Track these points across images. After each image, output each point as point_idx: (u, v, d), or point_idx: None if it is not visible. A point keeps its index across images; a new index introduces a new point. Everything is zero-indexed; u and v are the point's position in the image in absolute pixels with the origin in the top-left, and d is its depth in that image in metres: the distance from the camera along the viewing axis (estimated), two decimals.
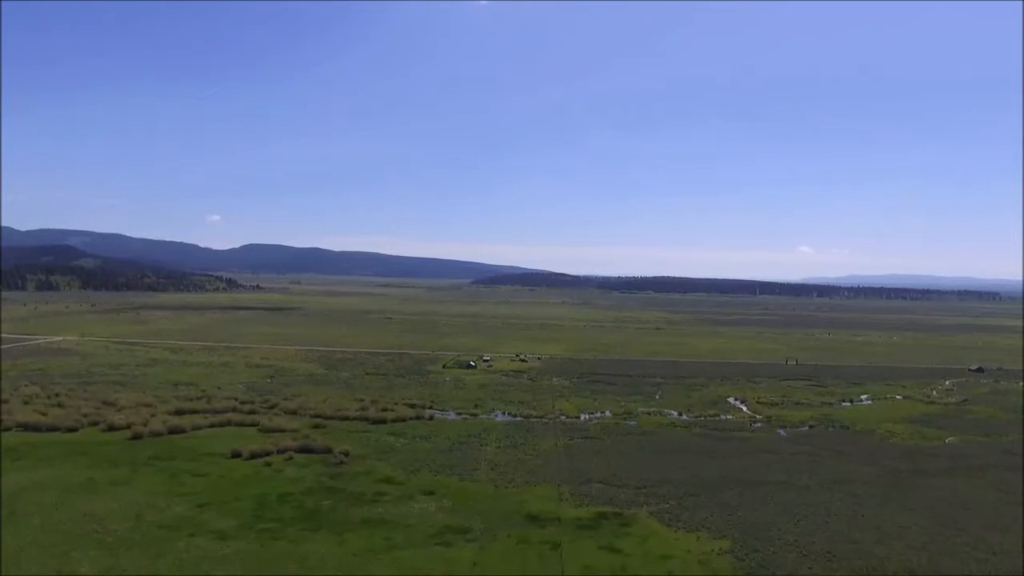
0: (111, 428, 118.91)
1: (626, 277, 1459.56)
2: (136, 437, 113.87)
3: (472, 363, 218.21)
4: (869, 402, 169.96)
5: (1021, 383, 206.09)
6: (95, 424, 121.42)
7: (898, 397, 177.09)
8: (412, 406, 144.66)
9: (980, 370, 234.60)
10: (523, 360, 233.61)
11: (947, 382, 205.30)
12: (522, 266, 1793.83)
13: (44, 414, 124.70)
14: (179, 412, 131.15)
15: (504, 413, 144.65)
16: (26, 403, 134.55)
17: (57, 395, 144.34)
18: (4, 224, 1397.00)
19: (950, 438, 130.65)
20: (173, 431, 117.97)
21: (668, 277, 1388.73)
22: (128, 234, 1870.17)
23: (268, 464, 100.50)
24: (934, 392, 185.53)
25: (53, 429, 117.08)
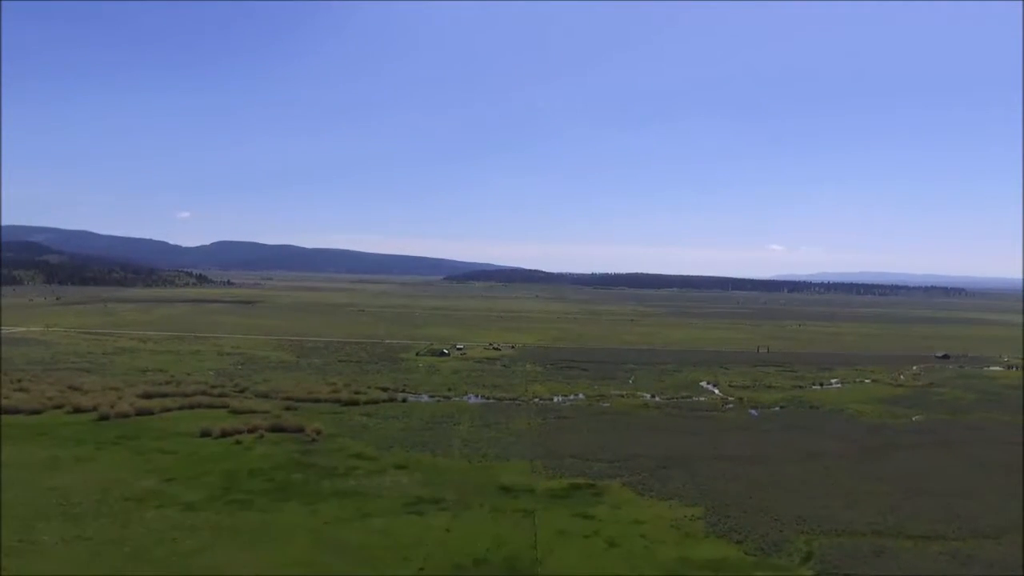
0: (77, 410, 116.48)
1: (600, 274, 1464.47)
2: (103, 418, 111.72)
3: (445, 351, 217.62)
4: (839, 385, 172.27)
5: (983, 368, 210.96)
6: (59, 407, 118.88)
7: (867, 381, 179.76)
8: (385, 390, 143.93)
9: (946, 357, 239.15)
10: (496, 348, 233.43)
11: (914, 367, 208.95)
12: (495, 263, 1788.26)
13: (7, 398, 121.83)
14: (147, 396, 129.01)
15: (477, 396, 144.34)
16: None
17: (20, 380, 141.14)
18: None
19: (917, 416, 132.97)
20: (141, 413, 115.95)
21: (641, 274, 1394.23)
22: (96, 231, 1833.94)
23: (238, 442, 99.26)
24: (902, 376, 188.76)
25: (15, 412, 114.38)
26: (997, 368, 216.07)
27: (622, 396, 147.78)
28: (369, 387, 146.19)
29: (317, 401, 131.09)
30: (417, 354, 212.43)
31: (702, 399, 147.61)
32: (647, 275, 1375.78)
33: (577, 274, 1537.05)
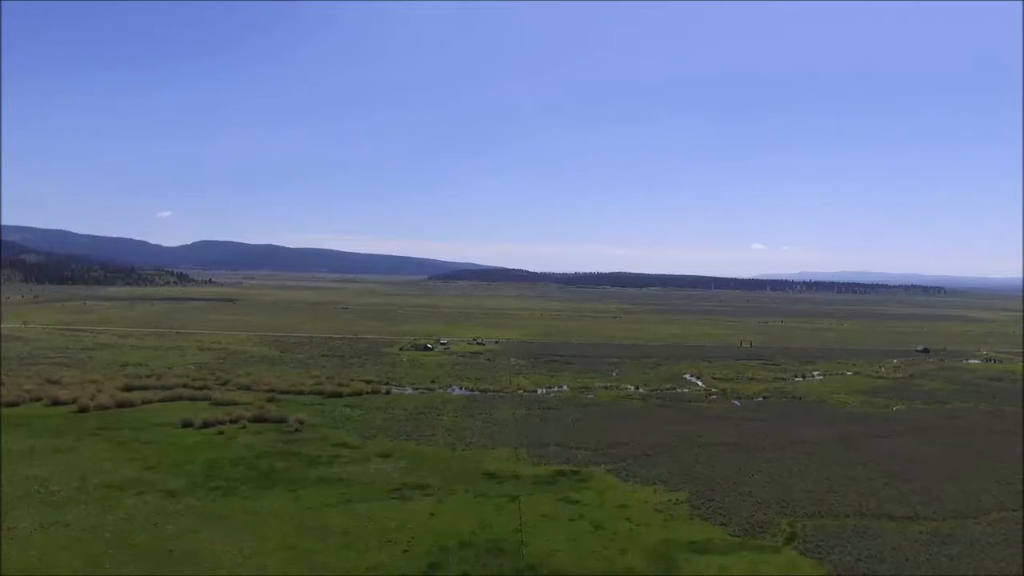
0: (55, 403, 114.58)
1: (583, 273, 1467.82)
2: (82, 410, 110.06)
3: (429, 346, 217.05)
4: (821, 378, 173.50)
5: (962, 361, 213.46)
6: (38, 400, 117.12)
7: (848, 373, 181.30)
8: (368, 382, 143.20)
9: (926, 351, 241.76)
10: (480, 343, 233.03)
11: (895, 361, 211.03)
12: (479, 263, 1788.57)
13: None
14: (128, 388, 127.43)
15: (461, 388, 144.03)
16: None
17: None
18: None
19: (898, 406, 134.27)
20: (121, 405, 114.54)
21: (624, 273, 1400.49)
22: (73, 230, 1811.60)
23: (220, 432, 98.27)
24: (883, 369, 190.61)
25: None
26: (975, 361, 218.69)
27: (606, 388, 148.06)
28: (352, 380, 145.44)
29: (300, 393, 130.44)
30: (401, 349, 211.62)
31: (685, 391, 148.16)
32: (630, 274, 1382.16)
33: (560, 273, 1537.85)
